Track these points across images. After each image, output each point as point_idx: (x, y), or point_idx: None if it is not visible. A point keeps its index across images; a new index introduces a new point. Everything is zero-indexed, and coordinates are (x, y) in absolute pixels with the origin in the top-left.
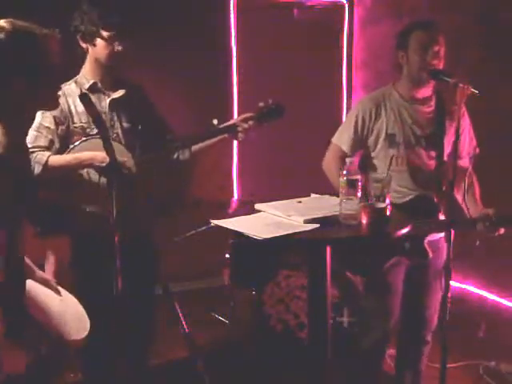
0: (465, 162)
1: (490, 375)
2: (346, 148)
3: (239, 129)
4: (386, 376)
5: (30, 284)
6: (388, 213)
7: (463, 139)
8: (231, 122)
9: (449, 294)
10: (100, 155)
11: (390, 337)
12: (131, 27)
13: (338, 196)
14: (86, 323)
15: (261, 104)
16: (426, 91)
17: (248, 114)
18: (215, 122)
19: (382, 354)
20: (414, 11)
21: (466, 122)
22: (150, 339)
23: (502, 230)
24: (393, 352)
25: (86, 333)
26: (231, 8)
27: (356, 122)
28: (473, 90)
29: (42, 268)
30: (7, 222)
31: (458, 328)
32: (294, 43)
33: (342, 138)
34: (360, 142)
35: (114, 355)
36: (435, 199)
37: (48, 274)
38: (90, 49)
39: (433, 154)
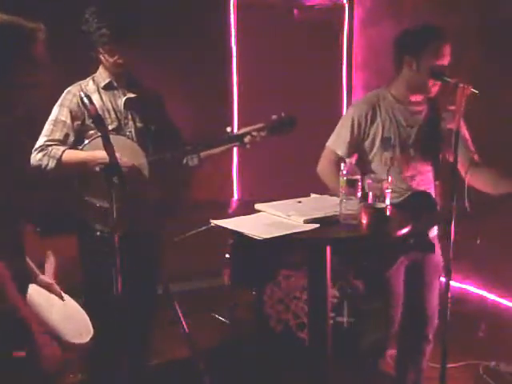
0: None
1: (490, 375)
2: (341, 152)
3: (250, 138)
4: (386, 376)
5: (32, 288)
6: (388, 213)
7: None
8: (243, 130)
9: (449, 294)
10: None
11: (390, 338)
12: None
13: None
14: (89, 326)
15: (274, 116)
16: (419, 96)
17: (260, 125)
18: (229, 129)
19: (381, 355)
20: (414, 12)
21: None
22: (151, 339)
23: None
24: (393, 352)
25: (90, 335)
26: (231, 8)
27: (352, 126)
28: (473, 89)
29: (41, 268)
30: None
31: (458, 328)
32: (294, 43)
33: (337, 142)
34: (356, 145)
35: (115, 355)
36: (432, 194)
37: (48, 274)
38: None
39: (428, 156)
